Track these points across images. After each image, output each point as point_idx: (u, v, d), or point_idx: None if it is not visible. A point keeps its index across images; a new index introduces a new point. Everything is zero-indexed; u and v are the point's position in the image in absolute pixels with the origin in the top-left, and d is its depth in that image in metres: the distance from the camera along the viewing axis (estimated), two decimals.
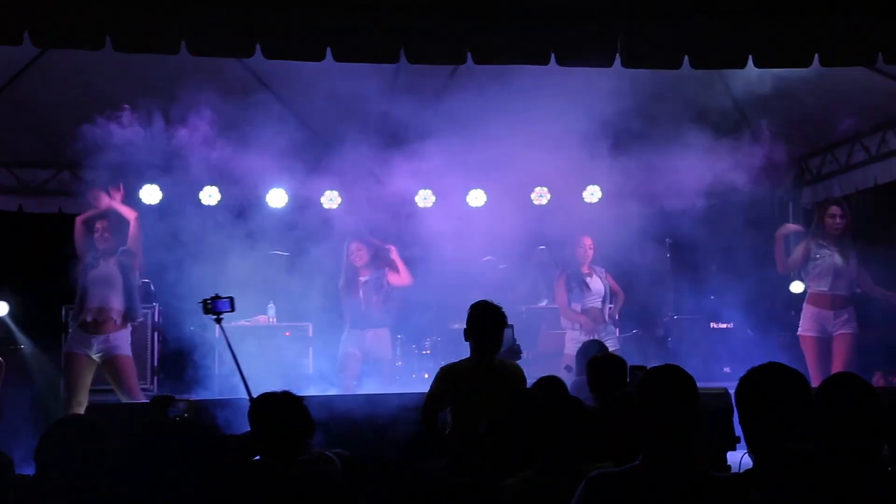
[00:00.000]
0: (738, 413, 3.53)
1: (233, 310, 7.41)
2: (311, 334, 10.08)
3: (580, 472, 4.02)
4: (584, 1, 6.60)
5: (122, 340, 8.49)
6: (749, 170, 11.78)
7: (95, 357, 8.36)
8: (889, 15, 6.72)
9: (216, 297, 7.36)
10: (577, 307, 9.55)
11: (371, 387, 9.07)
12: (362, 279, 9.53)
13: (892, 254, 9.19)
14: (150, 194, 10.50)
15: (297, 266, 10.09)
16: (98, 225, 8.61)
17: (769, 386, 3.50)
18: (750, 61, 6.67)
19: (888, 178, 10.13)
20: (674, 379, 3.63)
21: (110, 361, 8.38)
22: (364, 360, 9.39)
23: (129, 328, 8.61)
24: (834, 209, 8.74)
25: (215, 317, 7.39)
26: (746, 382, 3.55)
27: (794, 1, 6.74)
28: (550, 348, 9.78)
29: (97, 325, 8.38)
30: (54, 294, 10.29)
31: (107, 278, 8.49)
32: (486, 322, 6.22)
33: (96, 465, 3.61)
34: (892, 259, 9.16)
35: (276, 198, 10.78)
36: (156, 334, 10.07)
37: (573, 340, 9.32)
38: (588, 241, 9.73)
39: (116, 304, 8.44)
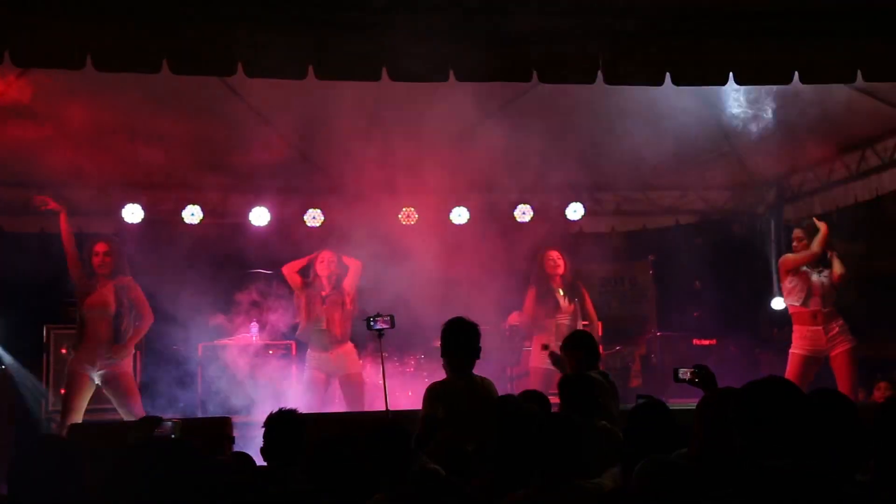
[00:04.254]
0: (735, 425, 3.51)
1: (392, 326, 7.69)
2: (294, 353, 10.02)
3: (579, 487, 4.04)
4: (565, 20, 6.60)
5: (125, 359, 8.55)
6: (731, 187, 11.87)
7: (97, 376, 8.39)
8: (868, 33, 6.75)
9: (377, 315, 7.68)
10: (550, 324, 9.42)
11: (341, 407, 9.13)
12: (323, 294, 9.32)
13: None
14: (133, 213, 10.43)
15: (281, 285, 10.04)
16: (97, 248, 8.56)
17: (768, 399, 3.48)
18: (731, 78, 6.70)
19: (868, 195, 10.17)
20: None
21: (113, 379, 8.41)
22: (330, 381, 9.28)
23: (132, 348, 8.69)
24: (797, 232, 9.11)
25: (378, 333, 7.73)
26: (745, 395, 3.53)
27: (775, 19, 6.76)
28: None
29: (100, 351, 8.40)
30: (36, 313, 10.22)
31: (103, 308, 8.48)
32: (462, 339, 6.22)
33: (73, 485, 3.53)
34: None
35: (259, 216, 10.73)
36: (139, 353, 9.98)
37: (539, 353, 9.27)
38: (555, 254, 9.59)
39: (112, 332, 8.47)
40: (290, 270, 9.45)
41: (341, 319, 9.24)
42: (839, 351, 8.80)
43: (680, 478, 3.48)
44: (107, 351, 8.41)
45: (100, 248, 8.57)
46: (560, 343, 8.68)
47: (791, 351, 9.00)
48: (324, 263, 9.35)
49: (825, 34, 6.72)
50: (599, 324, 9.99)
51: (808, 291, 8.87)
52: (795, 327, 8.99)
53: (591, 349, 6.83)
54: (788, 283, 9.00)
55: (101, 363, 8.41)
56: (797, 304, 8.93)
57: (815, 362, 8.87)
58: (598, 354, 6.93)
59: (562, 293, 9.50)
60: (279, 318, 10.04)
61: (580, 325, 9.46)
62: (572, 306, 9.47)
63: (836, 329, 8.85)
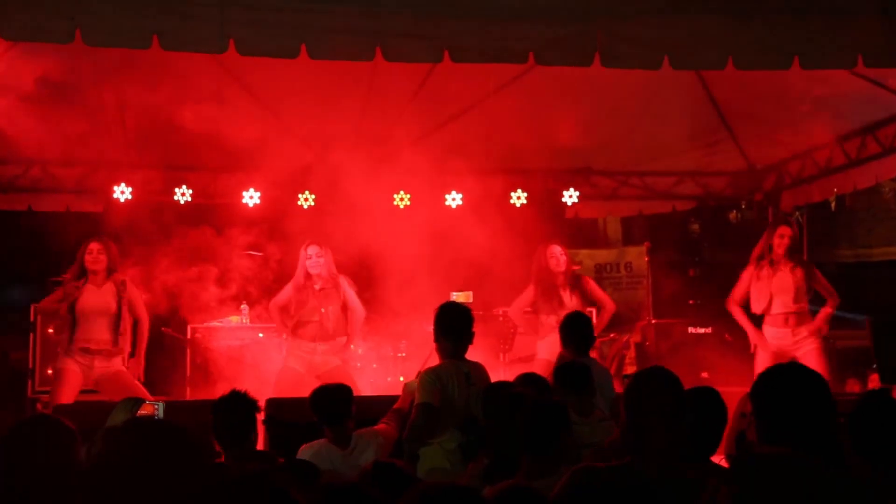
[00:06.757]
0: (756, 412, 3.47)
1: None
2: (284, 335, 9.99)
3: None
4: (562, 0, 6.58)
5: (120, 357, 8.42)
6: (729, 173, 11.87)
7: (93, 374, 8.28)
8: (869, 18, 6.72)
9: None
10: (553, 319, 9.12)
11: None
12: (316, 286, 8.85)
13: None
14: (122, 192, 10.41)
15: (271, 267, 10.04)
16: (92, 246, 8.42)
17: (790, 385, 3.45)
18: (730, 63, 6.67)
19: (868, 182, 10.17)
20: (663, 380, 3.71)
21: (109, 379, 8.28)
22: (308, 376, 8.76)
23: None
24: (783, 229, 8.94)
25: None
26: (766, 381, 3.50)
27: (774, 3, 6.74)
28: (526, 352, 9.70)
29: (96, 350, 8.31)
30: (22, 292, 10.21)
31: (103, 308, 8.37)
32: (456, 323, 6.20)
33: (61, 465, 3.48)
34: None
35: (250, 197, 10.73)
36: None
37: (547, 345, 9.21)
38: (557, 250, 9.34)
39: (111, 332, 8.36)
40: (278, 309, 9.09)
41: (334, 312, 8.86)
42: (807, 349, 8.63)
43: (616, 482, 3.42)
44: (106, 356, 8.31)
45: (93, 246, 8.41)
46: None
47: (759, 350, 8.85)
48: (312, 261, 8.86)
49: (825, 18, 6.69)
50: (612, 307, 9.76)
51: (772, 294, 8.81)
52: (764, 327, 8.89)
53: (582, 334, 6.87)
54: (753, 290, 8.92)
55: (97, 367, 8.29)
56: (761, 310, 8.89)
57: (782, 359, 8.67)
58: (590, 340, 6.94)
59: (566, 289, 9.35)
60: (269, 299, 10.03)
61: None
62: (574, 300, 9.34)
63: (804, 332, 8.72)
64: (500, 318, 10.10)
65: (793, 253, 8.87)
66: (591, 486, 3.25)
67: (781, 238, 8.83)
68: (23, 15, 6.10)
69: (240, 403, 5.27)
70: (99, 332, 8.31)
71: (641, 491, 3.14)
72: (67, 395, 8.18)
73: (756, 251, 8.97)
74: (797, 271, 8.78)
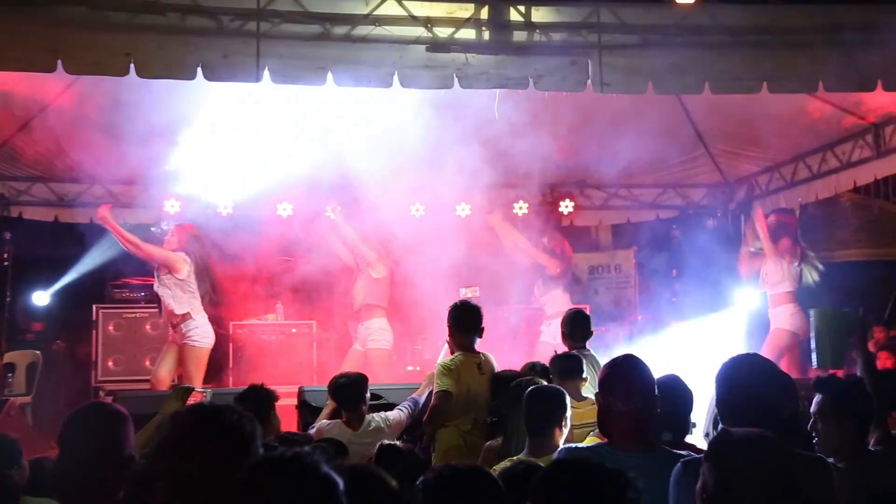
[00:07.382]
0: (717, 396, 3.42)
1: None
2: (314, 331, 10.02)
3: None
4: (558, 33, 6.59)
5: (195, 330, 8.73)
6: (706, 186, 11.86)
7: (178, 343, 8.74)
8: (828, 50, 6.73)
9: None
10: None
11: None
12: (354, 276, 9.37)
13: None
14: (172, 206, 10.43)
15: (303, 270, 10.04)
16: (171, 228, 9.10)
17: (748, 372, 3.41)
18: (707, 88, 6.68)
19: (828, 193, 10.18)
20: (633, 367, 3.68)
21: (180, 349, 8.72)
22: (364, 354, 9.17)
23: (205, 318, 8.84)
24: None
25: None
26: (727, 368, 3.45)
27: (746, 35, 6.74)
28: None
29: (175, 323, 8.75)
30: (86, 295, 10.27)
31: (165, 291, 8.80)
32: (469, 319, 6.23)
33: (119, 450, 3.45)
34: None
35: (284, 209, 10.74)
36: None
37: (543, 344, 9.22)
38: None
39: (176, 304, 8.74)
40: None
41: (365, 290, 9.26)
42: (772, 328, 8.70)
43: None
44: (177, 326, 8.72)
45: (170, 228, 9.14)
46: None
47: None
48: (346, 257, 9.51)
49: (790, 48, 6.70)
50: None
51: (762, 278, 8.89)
52: None
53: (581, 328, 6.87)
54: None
55: (179, 336, 8.75)
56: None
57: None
58: (587, 333, 6.94)
59: (540, 281, 9.59)
60: (301, 299, 10.05)
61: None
62: (546, 290, 9.49)
63: (778, 312, 8.82)
64: (505, 314, 10.12)
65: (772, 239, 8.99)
66: (571, 463, 3.24)
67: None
68: (85, 52, 6.15)
69: (259, 393, 5.41)
70: (168, 307, 8.75)
71: (615, 467, 3.13)
72: (162, 369, 8.74)
73: None
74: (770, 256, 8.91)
